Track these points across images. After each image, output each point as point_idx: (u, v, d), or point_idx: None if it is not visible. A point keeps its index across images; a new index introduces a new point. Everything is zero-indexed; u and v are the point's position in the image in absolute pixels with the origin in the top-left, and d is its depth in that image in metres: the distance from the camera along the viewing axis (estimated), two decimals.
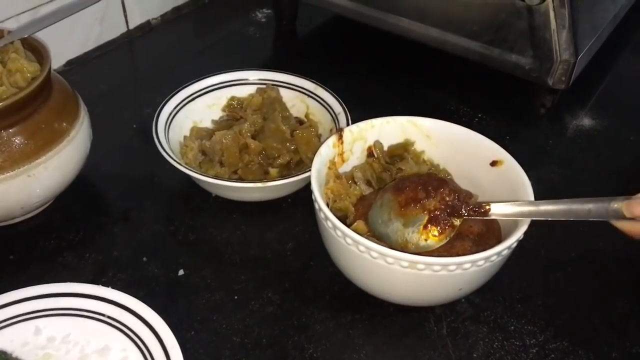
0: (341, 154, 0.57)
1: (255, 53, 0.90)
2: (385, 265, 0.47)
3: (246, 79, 0.70)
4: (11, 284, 0.51)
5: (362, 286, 0.52)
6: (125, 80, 0.83)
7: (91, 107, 0.63)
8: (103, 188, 0.66)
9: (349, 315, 0.53)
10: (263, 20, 0.95)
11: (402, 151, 0.59)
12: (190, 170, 0.59)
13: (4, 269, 0.56)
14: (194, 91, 0.68)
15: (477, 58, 0.74)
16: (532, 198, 0.50)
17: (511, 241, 0.47)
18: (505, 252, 0.47)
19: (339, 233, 0.48)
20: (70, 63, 0.82)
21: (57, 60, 0.81)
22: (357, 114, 0.63)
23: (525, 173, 0.52)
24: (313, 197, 0.51)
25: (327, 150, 0.56)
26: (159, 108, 0.64)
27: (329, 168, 0.56)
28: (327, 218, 0.49)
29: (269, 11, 0.96)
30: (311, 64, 0.84)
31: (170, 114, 0.65)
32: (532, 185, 0.52)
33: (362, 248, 0.47)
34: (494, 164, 0.56)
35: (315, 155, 0.54)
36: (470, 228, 0.52)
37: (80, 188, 0.62)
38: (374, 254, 0.46)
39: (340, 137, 0.57)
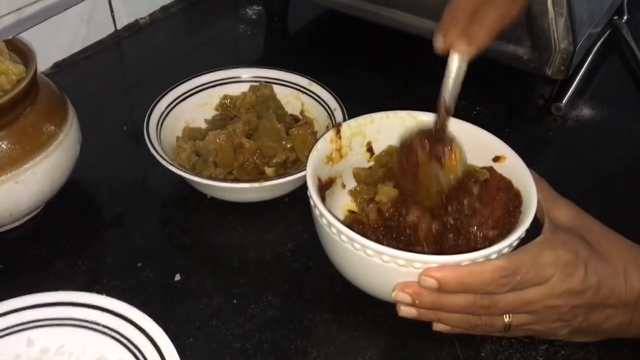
0: (339, 150, 0.56)
1: (246, 51, 0.88)
2: (381, 263, 0.45)
3: (238, 77, 0.68)
4: (1, 295, 0.49)
5: (361, 286, 0.51)
6: (115, 82, 0.81)
7: (80, 110, 0.61)
8: (94, 192, 0.64)
9: (352, 317, 0.52)
10: (254, 17, 0.93)
11: (389, 159, 0.57)
12: (184, 171, 0.57)
13: None
14: (185, 90, 0.66)
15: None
16: (534, 194, 0.49)
17: (512, 239, 0.45)
18: (506, 250, 0.46)
19: (333, 230, 0.46)
20: (57, 65, 0.80)
21: (44, 63, 0.79)
22: (353, 110, 0.62)
23: (527, 168, 0.51)
24: (308, 194, 0.49)
25: (324, 146, 0.54)
26: (150, 109, 0.63)
27: (326, 164, 0.54)
28: (322, 215, 0.47)
29: (260, 8, 0.94)
30: (304, 60, 0.82)
31: (162, 114, 0.64)
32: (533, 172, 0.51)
33: (356, 246, 0.45)
34: (496, 159, 0.54)
35: (312, 151, 0.53)
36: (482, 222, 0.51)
37: (71, 193, 0.60)
38: (369, 252, 0.45)
39: (338, 132, 0.55)
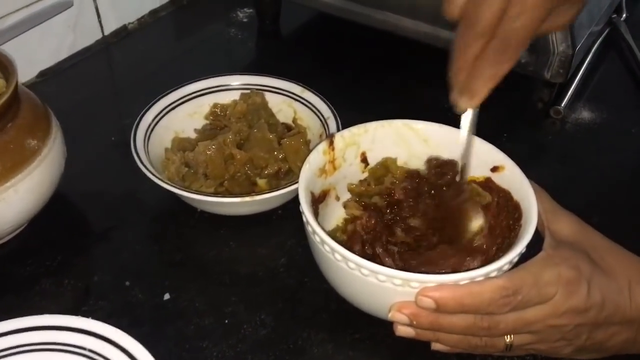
0: (332, 161, 0.54)
1: (238, 55, 0.86)
2: (377, 283, 0.43)
3: (229, 85, 0.66)
4: None
5: (357, 305, 0.49)
6: (102, 90, 0.79)
7: (66, 120, 0.59)
8: (81, 207, 0.62)
9: (349, 336, 0.50)
10: (245, 20, 0.91)
11: (384, 172, 0.56)
12: (172, 186, 0.55)
13: None
14: (174, 100, 0.64)
15: None
16: (535, 207, 0.47)
17: (512, 256, 0.44)
18: (507, 267, 0.44)
19: (327, 248, 0.45)
20: (42, 74, 0.78)
21: (29, 72, 0.76)
22: (347, 117, 0.60)
23: (527, 180, 0.49)
24: (301, 210, 0.47)
25: (316, 158, 0.52)
26: (137, 119, 0.61)
27: (319, 176, 0.53)
28: (314, 232, 0.45)
29: (251, 10, 0.92)
30: (297, 65, 0.80)
31: (150, 124, 0.62)
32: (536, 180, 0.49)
33: (351, 265, 0.44)
34: (494, 169, 0.52)
35: (304, 163, 0.51)
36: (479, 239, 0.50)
37: (56, 208, 0.58)
38: (365, 272, 0.43)
39: (331, 143, 0.54)
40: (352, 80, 0.79)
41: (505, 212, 0.51)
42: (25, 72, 0.76)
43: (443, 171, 0.54)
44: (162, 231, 0.59)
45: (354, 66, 0.82)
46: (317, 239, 0.46)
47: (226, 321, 0.51)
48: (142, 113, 0.61)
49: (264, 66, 0.70)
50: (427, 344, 0.46)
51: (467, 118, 0.48)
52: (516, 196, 0.50)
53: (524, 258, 0.44)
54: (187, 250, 0.57)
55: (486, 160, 0.53)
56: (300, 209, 0.47)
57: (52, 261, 0.55)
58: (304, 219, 0.47)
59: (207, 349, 0.49)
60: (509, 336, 0.44)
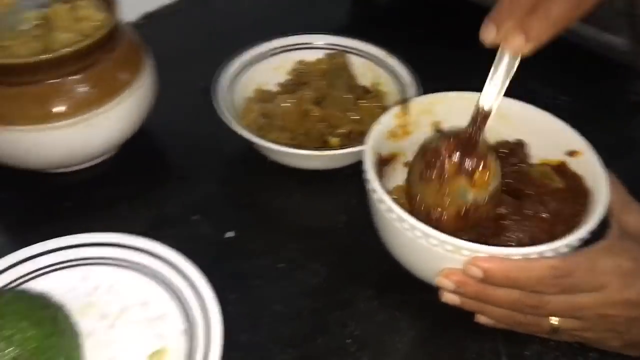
0: (404, 126, 0.54)
1: (329, 16, 0.87)
2: (428, 246, 0.44)
3: (313, 43, 0.68)
4: (64, 230, 0.51)
5: (407, 266, 0.49)
6: (199, 38, 0.82)
7: (161, 62, 0.63)
8: (164, 144, 0.66)
9: (396, 297, 0.51)
10: None
11: None
12: (247, 132, 0.57)
13: (59, 215, 0.57)
14: (260, 52, 0.66)
15: (567, 36, 0.68)
16: (605, 195, 0.45)
17: (571, 239, 0.43)
18: (564, 250, 0.43)
19: (384, 207, 0.45)
20: (147, 16, 0.82)
21: (133, 12, 0.81)
22: (431, 87, 0.59)
23: (602, 167, 0.48)
24: (364, 167, 0.48)
25: (388, 120, 0.53)
26: (222, 68, 0.64)
27: (388, 139, 0.53)
28: (374, 190, 0.46)
29: None
30: (387, 31, 0.80)
31: (235, 73, 0.64)
32: (618, 174, 0.48)
33: (405, 225, 0.44)
34: (571, 154, 0.51)
35: (374, 124, 0.52)
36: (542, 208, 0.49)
37: (142, 142, 0.63)
38: (418, 233, 0.44)
39: (405, 107, 0.54)
40: (442, 53, 0.78)
41: (574, 198, 0.49)
42: (130, 13, 0.80)
43: (510, 154, 0.53)
44: (233, 175, 0.62)
45: (446, 39, 0.80)
46: (376, 196, 0.46)
47: (281, 265, 0.53)
48: (227, 62, 0.64)
49: (354, 29, 0.70)
50: (471, 316, 0.46)
51: (503, 61, 0.43)
52: (589, 183, 0.49)
53: (586, 245, 0.43)
54: (254, 195, 0.60)
55: (563, 142, 0.51)
56: (363, 167, 0.48)
57: (130, 188, 0.60)
58: (365, 176, 0.48)
59: (260, 287, 0.51)
60: (555, 319, 0.44)
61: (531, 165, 0.53)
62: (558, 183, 0.51)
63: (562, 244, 0.43)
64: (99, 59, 0.55)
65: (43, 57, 0.51)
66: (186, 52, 0.78)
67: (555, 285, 0.41)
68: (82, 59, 0.53)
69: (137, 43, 0.60)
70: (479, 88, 0.54)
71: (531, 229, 0.48)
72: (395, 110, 0.54)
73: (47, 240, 0.51)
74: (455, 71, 0.74)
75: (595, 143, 0.50)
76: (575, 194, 0.49)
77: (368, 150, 0.49)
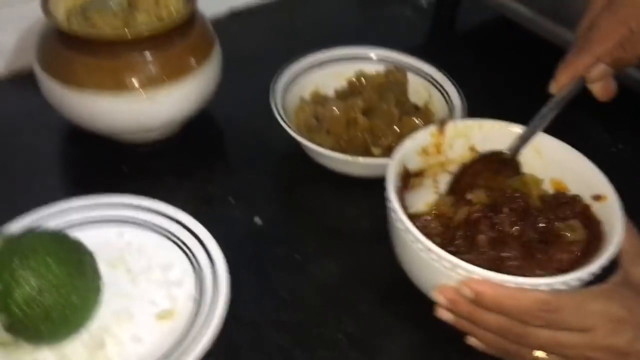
0: (438, 145, 0.56)
1: (406, 35, 0.89)
2: (429, 261, 0.46)
3: (374, 56, 0.71)
4: (116, 190, 0.57)
5: (411, 277, 0.51)
6: (278, 38, 0.87)
7: (237, 56, 0.68)
8: (221, 131, 0.71)
9: (398, 305, 0.53)
10: (425, 5, 0.94)
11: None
12: (293, 131, 0.61)
13: (115, 177, 0.63)
14: (322, 58, 0.70)
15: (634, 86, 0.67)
16: (617, 242, 0.45)
17: (569, 277, 0.43)
18: (559, 287, 0.43)
19: (393, 214, 0.48)
20: (234, 12, 0.88)
21: (222, 7, 0.87)
22: (483, 116, 0.60)
23: (623, 214, 0.47)
24: (386, 178, 0.50)
25: (422, 137, 0.55)
26: (285, 68, 0.67)
27: (419, 154, 0.55)
28: (389, 198, 0.48)
29: None
30: (456, 57, 0.82)
31: (295, 75, 0.68)
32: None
33: (410, 237, 0.46)
34: (597, 198, 0.51)
35: (408, 138, 0.54)
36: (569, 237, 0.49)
37: (201, 126, 0.68)
38: (420, 246, 0.46)
39: (442, 128, 0.56)
40: (504, 84, 0.79)
41: (590, 244, 0.49)
42: (219, 7, 0.86)
43: (560, 208, 0.52)
44: (275, 168, 0.66)
45: (514, 72, 0.81)
46: (389, 204, 0.49)
47: (297, 257, 0.56)
48: (290, 63, 0.68)
49: (426, 50, 0.73)
50: (464, 337, 0.47)
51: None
52: (606, 228, 0.48)
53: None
54: (288, 189, 0.64)
55: (593, 185, 0.51)
56: (386, 177, 0.50)
57: (181, 165, 0.65)
58: (386, 182, 0.50)
59: (271, 274, 0.55)
60: (542, 353, 0.44)
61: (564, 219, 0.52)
62: (581, 235, 0.50)
63: (558, 280, 0.43)
64: (171, 43, 0.61)
65: (120, 33, 0.58)
66: (262, 50, 0.83)
67: (540, 318, 0.41)
68: (155, 41, 0.59)
69: (209, 33, 0.66)
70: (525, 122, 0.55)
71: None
72: (431, 129, 0.55)
73: (96, 195, 0.57)
74: (511, 105, 0.74)
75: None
76: (592, 241, 0.49)
77: (395, 160, 0.52)
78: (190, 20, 0.62)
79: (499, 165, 0.55)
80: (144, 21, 0.60)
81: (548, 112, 0.53)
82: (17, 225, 0.54)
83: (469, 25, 0.92)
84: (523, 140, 0.55)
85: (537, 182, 0.55)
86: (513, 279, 0.43)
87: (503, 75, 0.81)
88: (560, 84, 0.51)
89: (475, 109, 0.63)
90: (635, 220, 0.48)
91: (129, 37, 0.58)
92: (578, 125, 0.72)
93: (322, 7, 0.93)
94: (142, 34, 0.58)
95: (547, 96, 0.53)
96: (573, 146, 0.54)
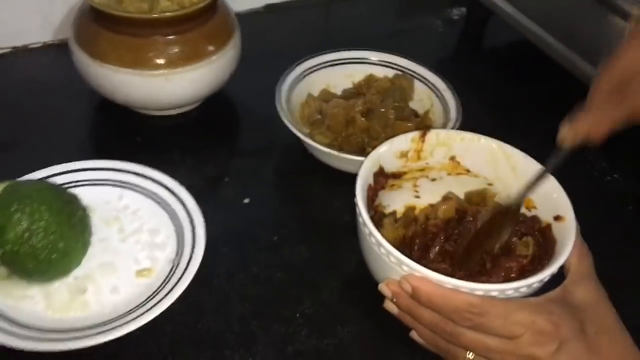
0: (418, 151, 0.59)
1: (432, 46, 0.92)
2: (380, 255, 0.49)
3: (385, 61, 0.74)
4: (126, 157, 0.63)
5: (369, 268, 0.54)
6: (309, 36, 0.91)
7: (268, 48, 0.76)
8: (234, 114, 0.76)
9: (357, 294, 0.56)
10: (455, 17, 0.96)
11: (479, 199, 0.59)
12: (292, 124, 0.65)
13: (129, 146, 0.69)
14: (335, 58, 0.74)
15: None
16: (562, 261, 0.47)
17: (505, 287, 0.45)
18: (495, 294, 0.46)
19: (357, 210, 0.51)
20: (268, 7, 0.93)
21: (258, 1, 0.92)
22: (490, 130, 0.61)
23: (577, 236, 0.49)
24: (358, 173, 0.53)
25: (402, 140, 0.57)
26: (296, 64, 0.71)
27: (398, 158, 0.58)
28: (355, 193, 0.52)
29: (464, 9, 0.96)
30: (480, 72, 0.84)
31: (306, 70, 0.72)
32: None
33: (366, 230, 0.49)
34: (557, 218, 0.53)
35: (387, 140, 0.57)
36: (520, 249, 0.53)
37: (216, 107, 0.74)
38: (373, 240, 0.49)
39: (423, 135, 0.58)
40: (513, 106, 0.80)
41: (540, 260, 0.51)
42: (254, 1, 0.91)
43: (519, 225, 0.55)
44: (276, 157, 0.70)
45: (529, 94, 0.82)
46: (356, 199, 0.52)
47: (275, 238, 0.60)
48: (302, 60, 0.72)
49: (449, 62, 0.74)
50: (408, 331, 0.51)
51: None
52: (558, 248, 0.50)
53: None
54: (282, 176, 0.68)
55: (556, 206, 0.53)
56: (357, 179, 0.54)
57: (189, 144, 0.70)
58: (357, 177, 0.53)
59: (248, 249, 0.59)
60: (471, 354, 0.47)
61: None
62: (529, 250, 0.53)
63: (494, 288, 0.46)
64: (191, 28, 0.66)
65: (142, 15, 0.63)
66: (290, 46, 0.87)
67: (467, 319, 0.44)
68: (174, 25, 0.65)
69: (230, 23, 0.71)
70: (527, 145, 0.57)
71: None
72: (413, 135, 0.58)
73: (106, 160, 0.63)
74: (516, 126, 0.76)
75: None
76: (543, 257, 0.51)
77: (369, 159, 0.55)
78: (211, 8, 0.67)
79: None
80: (167, 6, 0.65)
81: (554, 167, 0.52)
82: (32, 176, 0.60)
83: (495, 43, 0.93)
84: (529, 188, 0.53)
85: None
86: (450, 280, 0.46)
87: (519, 95, 0.82)
88: (569, 141, 0.49)
89: (485, 123, 0.66)
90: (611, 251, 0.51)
91: (150, 19, 0.63)
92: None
93: (360, 10, 0.97)
94: (162, 17, 0.64)
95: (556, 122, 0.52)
96: (565, 168, 0.55)
